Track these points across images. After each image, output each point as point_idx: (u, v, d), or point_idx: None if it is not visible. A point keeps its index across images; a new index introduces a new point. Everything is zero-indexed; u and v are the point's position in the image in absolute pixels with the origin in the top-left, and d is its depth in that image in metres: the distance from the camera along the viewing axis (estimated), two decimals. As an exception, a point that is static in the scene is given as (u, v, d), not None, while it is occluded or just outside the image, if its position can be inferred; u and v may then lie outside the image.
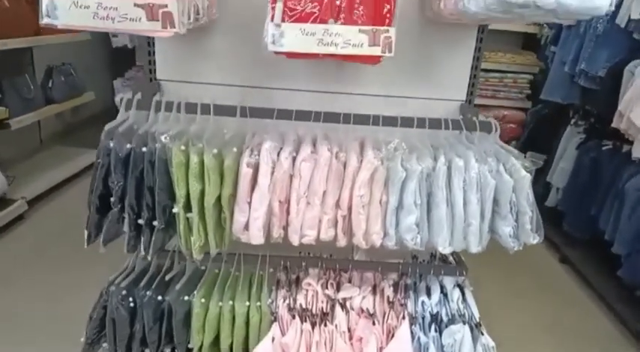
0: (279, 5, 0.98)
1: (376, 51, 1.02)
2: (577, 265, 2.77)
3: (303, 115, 1.31)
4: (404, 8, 1.39)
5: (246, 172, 1.23)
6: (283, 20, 0.99)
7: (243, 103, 1.33)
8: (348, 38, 1.01)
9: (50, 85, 3.27)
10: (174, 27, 1.02)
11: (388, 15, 1.02)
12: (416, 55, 1.50)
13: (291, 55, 1.02)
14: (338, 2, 0.99)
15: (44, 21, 1.00)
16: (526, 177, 1.24)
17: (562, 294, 2.65)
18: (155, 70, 1.54)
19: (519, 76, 3.75)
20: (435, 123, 1.33)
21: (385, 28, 1.02)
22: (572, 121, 3.04)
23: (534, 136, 3.53)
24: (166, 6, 0.99)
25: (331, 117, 1.31)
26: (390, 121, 1.32)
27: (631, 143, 2.48)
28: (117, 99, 4.12)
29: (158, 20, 1.00)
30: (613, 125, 2.45)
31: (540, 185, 3.19)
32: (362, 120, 1.32)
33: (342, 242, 1.30)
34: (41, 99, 3.19)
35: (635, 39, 2.60)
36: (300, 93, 1.52)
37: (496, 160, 1.29)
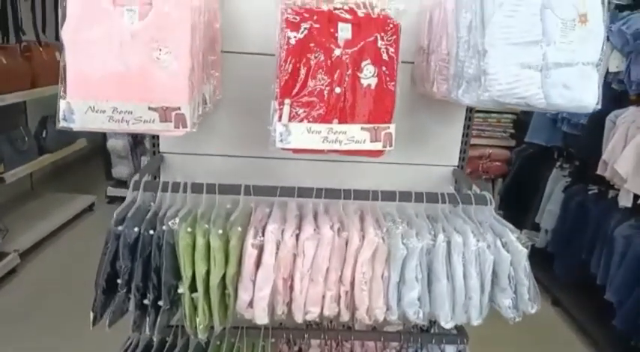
0: (287, 107, 1.04)
1: (378, 146, 1.08)
2: (570, 309, 2.82)
3: (305, 192, 1.36)
4: (400, 83, 1.47)
5: (251, 253, 1.26)
6: (290, 120, 1.04)
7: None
8: (351, 135, 1.06)
9: (44, 134, 3.29)
10: (187, 127, 1.07)
11: (388, 112, 1.08)
12: (409, 126, 1.58)
13: (297, 151, 1.07)
14: (341, 104, 1.05)
15: (61, 124, 1.04)
16: (523, 252, 1.29)
17: (556, 341, 2.69)
18: (158, 143, 1.59)
19: (503, 115, 3.87)
20: (433, 198, 1.39)
21: (386, 125, 1.08)
22: (558, 164, 3.14)
23: (520, 175, 3.63)
24: (179, 109, 1.05)
25: (332, 194, 1.36)
26: (388, 196, 1.38)
27: (616, 188, 2.58)
28: (109, 143, 4.15)
29: (171, 121, 1.05)
30: (598, 172, 2.55)
31: (529, 226, 3.27)
32: (362, 195, 1.37)
33: (345, 317, 1.33)
34: (35, 150, 3.21)
35: (614, 88, 2.73)
36: (298, 162, 1.57)
37: (493, 234, 1.35)
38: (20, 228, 3.19)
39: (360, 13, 1.04)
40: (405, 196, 1.38)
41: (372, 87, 1.05)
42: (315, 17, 1.02)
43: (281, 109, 1.05)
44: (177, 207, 1.34)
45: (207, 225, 1.27)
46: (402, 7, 1.07)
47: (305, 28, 1.02)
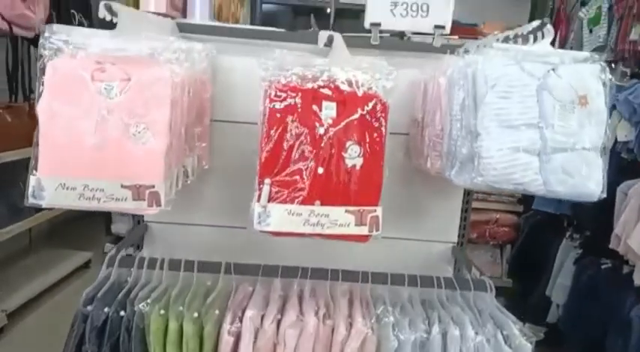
0: (266, 187, 0.97)
1: (363, 230, 1.00)
2: (587, 395, 2.58)
3: (289, 272, 1.27)
4: (392, 154, 1.42)
5: (227, 340, 1.16)
6: (270, 201, 0.98)
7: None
8: (334, 219, 0.99)
9: (44, 191, 3.25)
10: (160, 205, 1.01)
11: (374, 195, 1.01)
12: (405, 200, 1.51)
13: (276, 234, 1.00)
14: (324, 185, 0.98)
15: (29, 201, 0.98)
16: (526, 348, 1.17)
17: None
18: (143, 212, 1.53)
19: (511, 180, 3.79)
20: (428, 282, 1.29)
21: (372, 207, 1.01)
22: (567, 234, 3.01)
23: (529, 243, 3.49)
24: (153, 186, 0.99)
25: (319, 274, 1.27)
26: (380, 278, 1.28)
27: (630, 264, 2.43)
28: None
29: (144, 200, 0.99)
30: (611, 246, 2.41)
31: (539, 298, 3.09)
32: (351, 276, 1.28)
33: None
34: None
35: (623, 158, 2.65)
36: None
37: (494, 326, 1.23)
38: (12, 286, 3.10)
39: (346, 90, 1.00)
40: (398, 279, 1.28)
41: (357, 167, 0.99)
42: (298, 95, 0.98)
43: (260, 189, 0.99)
44: (153, 284, 1.25)
45: (181, 308, 1.18)
46: (390, 85, 1.02)
47: (288, 106, 0.98)
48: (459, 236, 1.55)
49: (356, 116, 0.99)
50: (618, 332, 2.38)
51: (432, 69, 1.30)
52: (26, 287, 3.14)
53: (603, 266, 2.64)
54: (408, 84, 1.39)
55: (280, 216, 0.98)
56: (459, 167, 1.06)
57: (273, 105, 0.98)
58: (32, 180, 0.97)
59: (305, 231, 0.99)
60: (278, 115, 0.98)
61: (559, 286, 2.91)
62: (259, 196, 0.98)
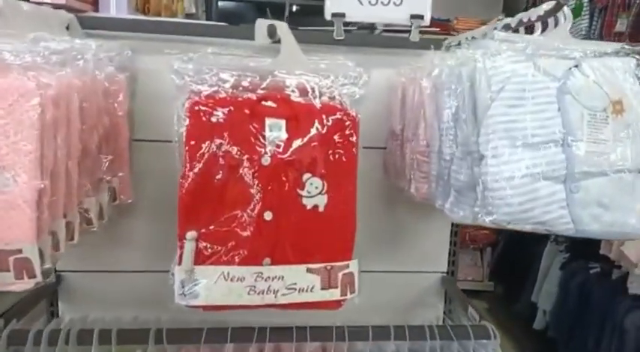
0: (190, 244, 0.68)
1: (334, 294, 0.72)
2: (582, 410, 2.40)
3: (242, 335, 0.98)
4: (372, 175, 1.16)
5: None
6: (197, 263, 0.68)
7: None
8: (291, 282, 0.71)
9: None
10: (35, 276, 0.69)
11: (346, 244, 0.73)
12: (384, 225, 1.24)
13: (208, 309, 0.71)
14: (274, 236, 0.70)
15: None
16: None
17: None
18: (53, 258, 1.20)
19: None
20: (418, 333, 1.02)
21: (344, 263, 0.73)
22: (552, 237, 2.82)
23: (511, 246, 3.31)
24: (20, 251, 0.68)
25: (281, 335, 0.98)
26: (358, 334, 1.00)
27: (620, 267, 2.26)
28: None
29: (9, 270, 0.68)
30: (601, 252, 2.23)
31: (524, 304, 2.91)
32: (322, 334, 1.00)
33: None
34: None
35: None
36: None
37: (500, 384, 0.98)
38: None
39: (298, 102, 0.71)
40: (382, 334, 1.00)
41: (321, 208, 0.71)
42: (230, 109, 0.69)
43: (182, 247, 0.69)
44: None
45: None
46: (360, 92, 0.74)
47: (216, 126, 0.69)
48: (449, 264, 1.29)
49: (314, 136, 0.71)
50: (612, 340, 2.20)
51: (411, 69, 1.04)
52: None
53: (592, 271, 2.47)
54: (384, 87, 1.12)
55: (213, 284, 0.69)
56: (456, 198, 0.80)
57: (194, 127, 0.68)
58: None
59: (250, 302, 0.70)
60: (201, 140, 0.68)
61: (545, 292, 2.73)
62: (180, 257, 0.69)
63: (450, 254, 1.30)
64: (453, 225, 1.29)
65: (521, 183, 0.68)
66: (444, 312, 1.31)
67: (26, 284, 0.69)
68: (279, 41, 0.91)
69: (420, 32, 1.14)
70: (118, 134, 1.00)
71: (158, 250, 1.18)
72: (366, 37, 1.22)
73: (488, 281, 3.56)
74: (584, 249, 2.55)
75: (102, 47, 0.89)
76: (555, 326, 2.67)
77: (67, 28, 1.01)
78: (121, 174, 1.03)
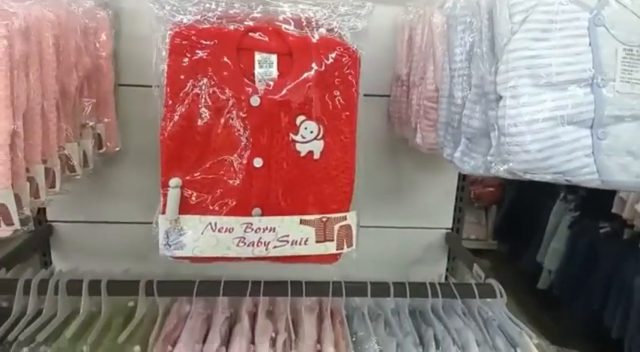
0: (175, 192, 0.62)
1: (329, 248, 0.67)
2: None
3: (235, 288, 0.94)
4: (374, 125, 1.08)
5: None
6: (182, 212, 0.63)
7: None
8: (284, 234, 0.65)
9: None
10: (12, 223, 0.65)
11: (344, 194, 0.67)
12: (386, 178, 1.18)
13: (195, 260, 0.66)
14: (265, 184, 0.64)
15: None
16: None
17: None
18: (44, 209, 1.16)
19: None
20: (419, 291, 0.98)
21: (340, 214, 0.67)
22: (561, 195, 2.75)
23: (517, 204, 3.25)
24: (-9, 196, 0.62)
25: (276, 289, 0.94)
26: (356, 289, 0.96)
27: (632, 227, 2.20)
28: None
29: (-20, 218, 0.63)
30: (614, 211, 2.17)
31: (529, 263, 2.88)
32: (318, 290, 0.96)
33: None
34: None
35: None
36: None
37: (505, 342, 0.94)
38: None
39: (293, 34, 0.63)
40: (381, 290, 0.96)
41: (316, 155, 0.65)
42: (214, 42, 0.61)
43: (165, 195, 0.63)
44: (47, 314, 0.91)
45: (84, 348, 0.85)
46: (362, 24, 0.66)
47: (199, 62, 0.61)
48: (454, 220, 1.24)
49: (310, 75, 0.63)
50: (619, 301, 2.18)
51: (419, 4, 0.94)
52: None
53: (602, 231, 2.41)
54: (388, 27, 1.02)
55: (200, 235, 0.63)
56: (467, 146, 0.73)
57: (175, 63, 0.61)
58: None
59: (240, 255, 0.65)
60: (183, 78, 0.61)
61: (552, 251, 2.69)
62: (164, 206, 0.63)
63: (455, 210, 1.24)
64: (459, 179, 1.22)
65: (542, 127, 0.60)
66: (447, 270, 1.27)
67: (3, 232, 0.65)
68: None
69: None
70: (101, 77, 0.93)
71: (148, 200, 1.12)
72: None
73: (491, 240, 3.54)
74: (594, 208, 2.48)
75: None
76: (560, 285, 2.65)
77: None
78: (106, 120, 0.97)
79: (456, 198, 1.22)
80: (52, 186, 0.76)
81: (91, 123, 0.89)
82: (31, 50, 0.66)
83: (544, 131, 0.60)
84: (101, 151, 0.97)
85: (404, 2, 0.99)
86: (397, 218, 1.21)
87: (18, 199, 0.65)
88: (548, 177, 0.63)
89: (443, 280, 1.25)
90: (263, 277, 0.96)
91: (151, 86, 1.03)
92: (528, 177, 0.63)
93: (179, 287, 0.93)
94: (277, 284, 0.94)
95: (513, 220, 3.19)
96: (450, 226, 1.24)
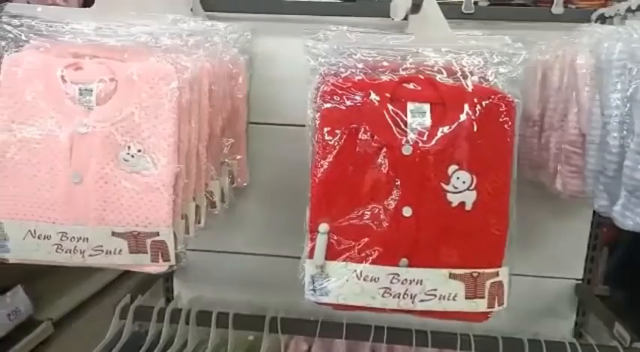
0: (322, 237, 0.63)
1: (480, 305, 0.64)
2: None
3: (357, 332, 0.93)
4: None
5: None
6: (328, 258, 0.63)
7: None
8: (431, 288, 0.64)
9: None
10: (169, 260, 0.69)
11: (497, 249, 0.64)
12: (517, 225, 1.11)
13: (338, 307, 0.66)
14: (414, 234, 0.62)
15: (-11, 254, 0.70)
16: None
17: None
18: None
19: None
20: (557, 350, 0.90)
21: (493, 270, 0.63)
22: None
23: (638, 246, 2.93)
24: (157, 234, 0.67)
25: (399, 337, 0.92)
26: (486, 345, 0.91)
27: None
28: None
29: (146, 252, 0.68)
30: None
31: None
32: (445, 341, 0.92)
33: None
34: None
35: None
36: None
37: None
38: (56, 294, 2.98)
39: (446, 83, 0.63)
40: (514, 347, 0.90)
41: (468, 206, 0.63)
42: (369, 93, 0.62)
43: (313, 240, 0.64)
44: (178, 343, 0.96)
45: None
46: (516, 71, 0.64)
47: (353, 111, 0.63)
48: (585, 270, 1.13)
49: (464, 123, 0.62)
50: None
51: (555, 45, 0.90)
52: (71, 294, 3.01)
53: None
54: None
55: (345, 282, 0.64)
56: (629, 199, 0.67)
57: (329, 111, 0.63)
58: (-7, 226, 0.69)
59: (384, 306, 0.64)
60: (337, 126, 0.63)
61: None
62: (312, 250, 0.64)
63: (587, 259, 1.13)
64: (592, 225, 1.12)
65: None
66: (576, 324, 1.16)
67: (160, 267, 0.69)
68: (406, 18, 0.83)
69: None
70: (238, 117, 0.99)
71: (270, 233, 1.18)
72: (497, 10, 1.08)
73: (602, 286, 3.21)
74: None
75: (228, 29, 0.87)
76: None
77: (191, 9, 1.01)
78: (238, 156, 1.02)
79: (588, 246, 1.12)
80: (198, 222, 0.81)
81: (228, 161, 0.94)
82: (193, 98, 0.71)
83: None
84: (232, 186, 1.02)
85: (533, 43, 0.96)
86: (522, 265, 1.13)
87: (174, 237, 0.70)
88: None
89: (572, 336, 1.14)
90: (383, 321, 0.94)
91: (277, 124, 1.10)
92: None
93: (302, 326, 0.94)
94: (401, 331, 0.92)
95: (633, 264, 2.87)
96: (581, 276, 1.14)
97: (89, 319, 3.07)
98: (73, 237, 0.68)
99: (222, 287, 1.17)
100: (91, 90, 0.64)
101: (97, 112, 0.65)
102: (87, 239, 0.68)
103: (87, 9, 0.69)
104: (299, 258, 1.16)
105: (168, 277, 1.27)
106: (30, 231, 0.68)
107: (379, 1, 1.13)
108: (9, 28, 0.66)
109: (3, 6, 0.67)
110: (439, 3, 1.01)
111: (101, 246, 0.68)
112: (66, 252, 0.68)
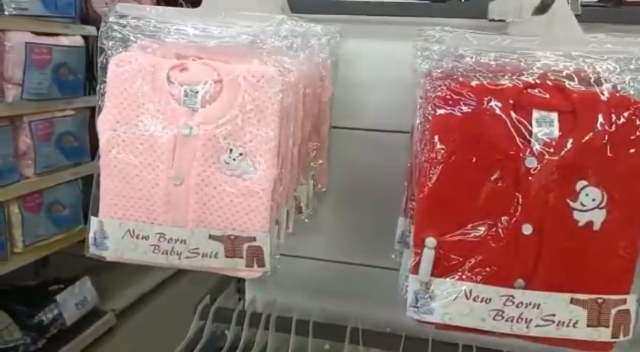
0: (430, 252, 0.59)
1: (603, 334, 0.58)
2: None
3: (444, 351, 0.88)
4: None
5: None
6: (434, 275, 0.59)
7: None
8: (550, 313, 0.58)
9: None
10: (263, 265, 0.68)
11: (625, 274, 0.57)
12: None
13: (442, 328, 0.61)
14: (533, 254, 0.57)
15: (91, 251, 0.71)
16: None
17: None
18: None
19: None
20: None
21: (620, 296, 0.57)
22: None
23: None
24: (254, 239, 0.66)
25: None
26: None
27: None
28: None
29: (242, 257, 0.67)
30: None
31: None
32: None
33: None
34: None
35: None
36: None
37: None
38: (120, 285, 3.09)
39: (577, 91, 0.57)
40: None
41: (596, 226, 0.57)
42: (489, 99, 0.58)
43: (418, 254, 0.60)
44: (257, 346, 0.95)
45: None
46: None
47: (469, 118, 0.58)
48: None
49: (597, 136, 0.56)
50: None
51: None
52: (135, 286, 3.12)
53: None
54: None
55: (453, 301, 0.59)
56: None
57: (443, 118, 0.59)
58: (93, 224, 0.70)
59: (496, 329, 0.59)
60: (452, 134, 0.59)
61: None
62: (416, 265, 0.60)
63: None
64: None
65: None
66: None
67: (255, 273, 0.68)
68: (503, 20, 0.78)
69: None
70: (322, 121, 0.97)
71: (345, 241, 1.15)
72: (608, 11, 0.99)
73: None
74: None
75: (323, 31, 0.85)
76: None
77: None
78: (320, 161, 1.00)
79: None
80: (287, 227, 0.80)
81: (313, 165, 0.92)
82: (293, 102, 0.70)
83: None
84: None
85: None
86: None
87: (274, 243, 0.69)
88: None
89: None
90: (471, 340, 0.89)
91: (357, 129, 1.07)
92: None
93: (385, 339, 0.91)
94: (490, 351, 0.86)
95: None
96: None
97: (149, 312, 3.17)
98: (171, 239, 0.67)
99: (295, 292, 1.16)
100: (197, 92, 0.64)
101: (201, 114, 0.64)
102: (184, 241, 0.67)
103: (193, 9, 0.69)
104: (375, 266, 1.13)
105: (240, 279, 1.27)
106: (129, 230, 0.68)
107: (471, 1, 1.08)
108: (117, 27, 0.66)
109: (111, 6, 0.68)
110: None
111: (198, 248, 0.67)
112: (162, 252, 0.68)
